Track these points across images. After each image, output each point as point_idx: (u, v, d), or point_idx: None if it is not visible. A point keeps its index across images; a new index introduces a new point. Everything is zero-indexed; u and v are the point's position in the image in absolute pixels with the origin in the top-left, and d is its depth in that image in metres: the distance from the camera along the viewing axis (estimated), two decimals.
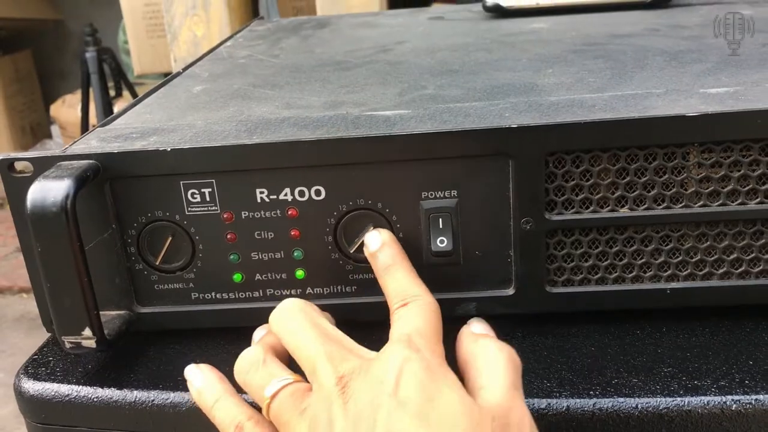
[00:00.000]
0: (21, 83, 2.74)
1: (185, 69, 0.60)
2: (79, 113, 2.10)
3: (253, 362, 0.36)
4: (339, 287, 0.42)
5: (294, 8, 1.70)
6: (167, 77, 0.57)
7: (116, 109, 1.85)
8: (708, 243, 0.40)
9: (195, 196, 0.40)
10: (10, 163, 0.39)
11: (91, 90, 2.01)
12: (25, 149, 2.63)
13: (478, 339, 0.35)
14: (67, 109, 2.33)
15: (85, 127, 2.07)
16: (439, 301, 0.41)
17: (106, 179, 0.40)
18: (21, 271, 1.98)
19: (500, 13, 0.71)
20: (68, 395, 0.39)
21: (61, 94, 2.56)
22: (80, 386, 0.39)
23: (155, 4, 1.84)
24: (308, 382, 0.34)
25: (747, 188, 0.39)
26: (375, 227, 0.40)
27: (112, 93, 2.05)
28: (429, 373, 0.31)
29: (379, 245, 0.39)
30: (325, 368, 0.33)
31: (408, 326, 0.35)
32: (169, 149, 0.39)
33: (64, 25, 2.93)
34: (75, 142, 0.42)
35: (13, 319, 1.89)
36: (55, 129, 2.61)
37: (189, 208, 0.41)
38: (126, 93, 2.09)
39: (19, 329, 1.83)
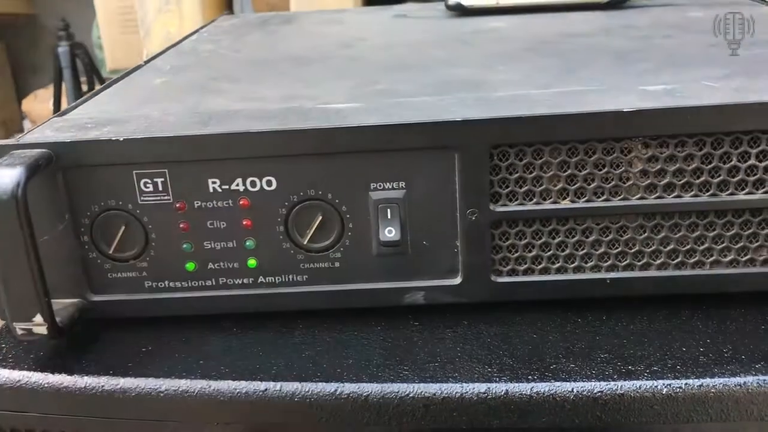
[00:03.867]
0: None
1: (147, 61, 0.60)
2: (51, 108, 2.09)
3: None
4: (290, 276, 0.43)
5: (268, 4, 1.70)
6: (129, 70, 0.58)
7: None
8: (646, 234, 0.42)
9: (147, 185, 0.41)
10: None
11: (63, 85, 1.99)
12: None
13: None
14: (39, 104, 2.31)
15: None
16: (388, 291, 0.43)
17: (59, 168, 0.40)
18: None
19: (461, 11, 0.72)
20: (19, 381, 0.39)
21: (33, 88, 2.54)
22: (31, 372, 0.40)
23: None
24: None
25: (682, 182, 0.40)
26: (324, 218, 0.41)
27: (84, 88, 2.03)
28: None
29: None
30: None
31: None
32: (121, 139, 0.40)
33: (37, 20, 2.89)
34: (30, 131, 0.43)
35: None
36: (27, 124, 2.58)
37: (142, 198, 0.41)
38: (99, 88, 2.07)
39: None
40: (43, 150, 0.39)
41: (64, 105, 2.01)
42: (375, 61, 0.55)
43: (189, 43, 0.68)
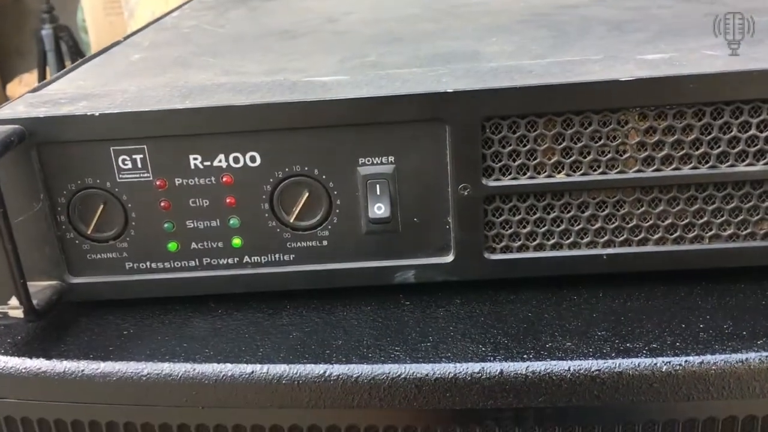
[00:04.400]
0: None
1: (126, 38, 0.58)
2: None
3: None
4: (277, 256, 0.42)
5: None
6: (106, 46, 0.56)
7: None
8: (643, 208, 0.40)
9: (126, 162, 0.39)
10: None
11: (48, 69, 1.96)
12: None
13: None
14: (23, 88, 2.28)
15: None
16: (378, 269, 0.42)
17: (32, 145, 0.39)
18: None
19: None
20: None
21: (19, 72, 2.49)
22: (8, 357, 0.38)
23: None
24: None
25: (681, 153, 0.39)
26: (311, 195, 0.40)
27: None
28: None
29: None
30: None
31: None
32: (97, 114, 0.38)
33: (22, 3, 2.84)
34: (0, 107, 0.41)
35: None
36: None
37: (120, 175, 0.40)
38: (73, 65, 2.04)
39: None
40: (16, 126, 0.38)
41: None
42: (363, 35, 0.53)
43: (170, 20, 0.66)
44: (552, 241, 0.41)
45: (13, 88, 2.34)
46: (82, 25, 2.23)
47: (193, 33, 0.59)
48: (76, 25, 2.26)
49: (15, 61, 2.84)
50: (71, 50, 1.98)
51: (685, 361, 0.36)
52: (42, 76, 1.98)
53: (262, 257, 0.42)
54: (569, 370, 0.36)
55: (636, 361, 0.36)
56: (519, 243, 0.41)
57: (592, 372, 0.36)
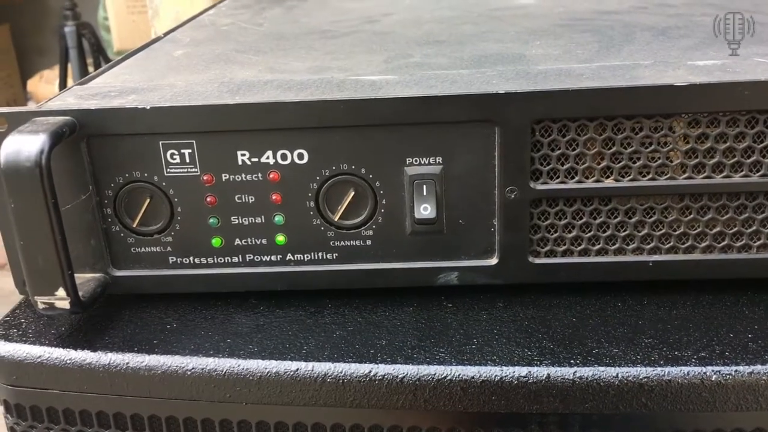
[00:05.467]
0: None
1: (166, 34, 0.59)
2: (56, 89, 2.07)
3: None
4: (320, 254, 0.41)
5: None
6: (147, 42, 0.56)
7: None
8: (691, 216, 0.40)
9: (174, 156, 0.39)
10: None
11: (69, 66, 1.97)
12: None
13: None
14: (44, 84, 2.29)
15: None
16: (421, 270, 0.41)
17: (82, 137, 0.39)
18: None
19: None
20: (40, 357, 0.38)
21: (39, 69, 2.52)
22: (53, 348, 0.38)
23: None
24: None
25: (732, 161, 0.39)
26: (357, 194, 0.40)
27: (90, 69, 2.01)
28: None
29: None
30: None
31: None
32: (148, 107, 0.38)
33: (43, 1, 2.87)
34: (51, 99, 0.41)
35: None
36: (32, 105, 2.57)
37: (168, 170, 0.40)
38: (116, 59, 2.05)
39: None
40: (67, 117, 0.38)
41: (70, 85, 1.99)
42: (405, 36, 0.53)
43: (207, 17, 0.66)
44: (597, 247, 0.41)
45: (33, 84, 2.36)
46: (102, 22, 2.24)
47: (231, 31, 0.59)
48: (97, 23, 2.27)
49: (35, 58, 2.86)
50: (93, 47, 1.99)
51: (735, 370, 0.35)
52: (64, 73, 2.00)
53: (305, 255, 0.41)
54: (617, 376, 0.35)
55: (685, 369, 0.35)
56: (564, 247, 0.41)
57: (641, 379, 0.35)
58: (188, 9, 1.61)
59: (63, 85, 2.02)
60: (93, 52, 2.00)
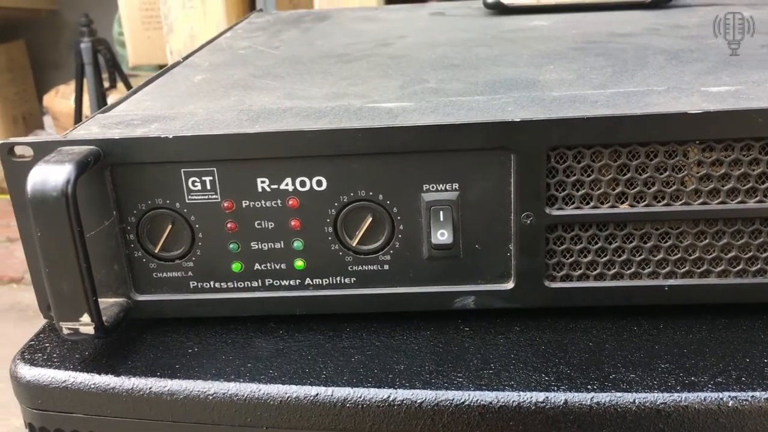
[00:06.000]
0: (13, 73, 2.72)
1: (185, 59, 0.60)
2: (72, 104, 2.09)
3: None
4: (338, 279, 0.42)
5: (291, 3, 1.69)
6: (165, 67, 0.57)
7: (110, 100, 1.84)
8: (707, 241, 0.40)
9: (196, 184, 0.40)
10: (10, 148, 0.39)
11: (85, 81, 1.99)
12: None
13: None
14: (60, 99, 2.32)
15: (78, 117, 2.06)
16: (438, 295, 0.42)
17: (106, 165, 0.40)
18: (11, 261, 1.96)
19: (500, 10, 0.71)
20: (65, 381, 0.39)
21: (54, 84, 2.54)
22: (77, 372, 0.39)
23: None
24: None
25: (746, 187, 0.39)
26: (375, 219, 0.40)
27: (106, 84, 2.03)
28: None
29: None
30: None
31: None
32: (170, 136, 0.39)
33: (59, 16, 2.91)
34: (75, 128, 0.42)
35: (2, 309, 1.87)
36: (47, 119, 2.60)
37: (189, 196, 0.40)
38: (120, 84, 2.08)
39: (8, 320, 1.81)
40: (92, 147, 0.39)
41: (85, 101, 2.01)
42: (419, 60, 0.54)
43: (224, 41, 0.68)
44: (613, 271, 0.41)
45: (49, 99, 2.39)
46: (117, 38, 2.27)
47: (249, 54, 0.60)
48: (112, 39, 2.30)
49: (51, 73, 2.90)
50: (108, 63, 2.02)
51: (752, 396, 0.36)
52: (79, 88, 2.02)
53: (324, 280, 0.42)
54: (634, 402, 0.36)
55: (702, 395, 0.36)
56: (580, 272, 0.41)
57: (658, 405, 0.36)
58: (202, 25, 1.63)
59: (78, 100, 2.04)
60: (108, 68, 2.03)
